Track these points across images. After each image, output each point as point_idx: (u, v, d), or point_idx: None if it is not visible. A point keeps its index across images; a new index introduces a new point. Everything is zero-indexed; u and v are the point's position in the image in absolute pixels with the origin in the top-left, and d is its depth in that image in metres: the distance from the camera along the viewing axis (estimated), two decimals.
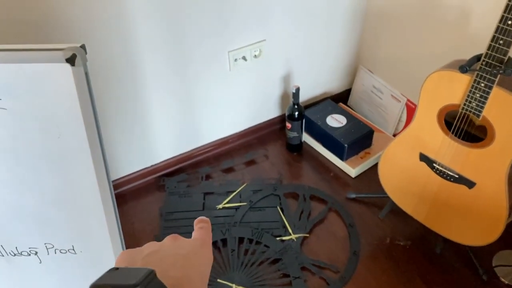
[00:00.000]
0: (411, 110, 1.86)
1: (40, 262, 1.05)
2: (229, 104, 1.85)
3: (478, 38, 1.46)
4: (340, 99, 2.13)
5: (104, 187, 0.95)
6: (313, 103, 2.06)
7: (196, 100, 1.74)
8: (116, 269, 0.35)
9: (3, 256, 1.04)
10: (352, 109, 2.10)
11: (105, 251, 1.03)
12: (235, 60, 1.69)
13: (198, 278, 0.39)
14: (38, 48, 0.81)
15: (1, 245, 1.02)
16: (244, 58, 1.70)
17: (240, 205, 1.71)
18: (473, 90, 1.15)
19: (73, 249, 1.03)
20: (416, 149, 1.37)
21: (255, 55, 1.73)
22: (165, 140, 1.79)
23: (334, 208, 1.71)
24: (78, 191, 0.95)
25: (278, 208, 1.69)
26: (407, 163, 1.41)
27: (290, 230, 1.62)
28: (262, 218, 1.66)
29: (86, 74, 0.83)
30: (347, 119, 1.89)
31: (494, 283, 1.45)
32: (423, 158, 1.36)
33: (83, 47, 0.82)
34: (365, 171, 1.85)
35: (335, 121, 1.88)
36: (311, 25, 1.80)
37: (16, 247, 1.03)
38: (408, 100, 1.85)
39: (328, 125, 1.87)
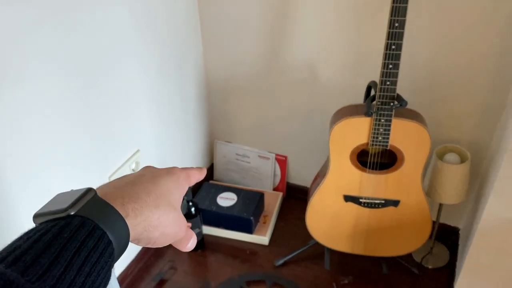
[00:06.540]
0: (282, 162, 1.98)
1: None
2: None
3: (328, 91, 1.69)
4: (205, 178, 2.10)
5: None
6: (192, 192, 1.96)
7: None
8: (61, 194, 0.35)
9: None
10: (221, 182, 2.09)
11: None
12: None
13: (146, 195, 0.39)
14: None
15: None
16: None
17: None
18: (376, 127, 1.33)
19: None
20: (339, 193, 1.47)
21: (133, 169, 1.54)
22: None
23: (274, 282, 1.66)
24: None
25: None
26: (334, 208, 1.50)
27: None
28: None
29: None
30: (235, 193, 1.87)
31: (425, 272, 1.69)
32: (348, 198, 1.47)
33: None
34: (273, 233, 1.87)
35: (226, 199, 1.84)
36: (171, 122, 1.74)
37: None
38: (276, 154, 1.97)
39: (222, 206, 1.81)
